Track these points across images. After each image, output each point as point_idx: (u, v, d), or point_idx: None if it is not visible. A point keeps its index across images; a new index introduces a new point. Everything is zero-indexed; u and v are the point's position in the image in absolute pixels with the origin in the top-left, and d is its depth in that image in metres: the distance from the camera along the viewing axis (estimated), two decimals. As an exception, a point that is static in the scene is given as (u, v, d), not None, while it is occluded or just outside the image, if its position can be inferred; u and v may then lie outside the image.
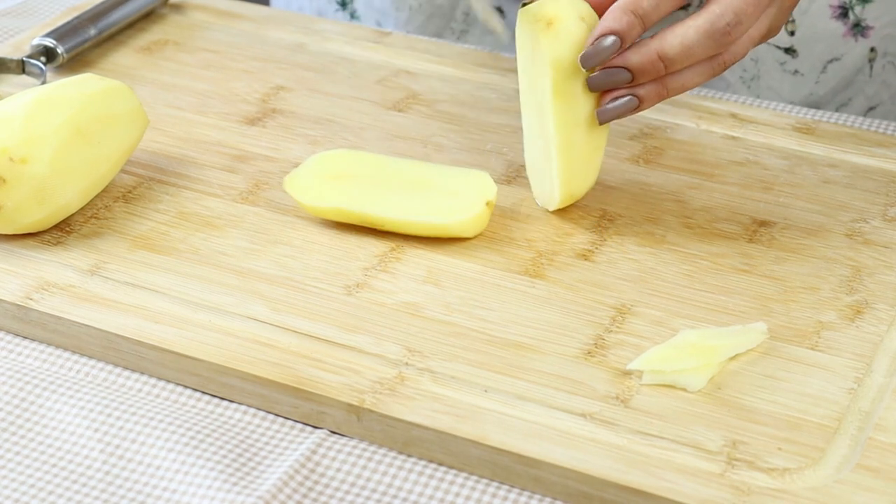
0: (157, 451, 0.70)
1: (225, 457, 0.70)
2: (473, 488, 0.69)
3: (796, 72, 0.93)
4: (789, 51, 1.02)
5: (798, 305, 0.79)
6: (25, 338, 0.78)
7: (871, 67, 1.06)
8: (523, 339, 0.76)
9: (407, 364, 0.74)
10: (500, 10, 1.10)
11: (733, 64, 0.81)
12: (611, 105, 0.80)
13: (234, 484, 0.68)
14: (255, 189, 0.88)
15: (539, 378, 0.73)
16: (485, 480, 0.70)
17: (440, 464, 0.71)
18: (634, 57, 0.78)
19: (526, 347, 0.75)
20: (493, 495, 0.69)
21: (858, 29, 1.05)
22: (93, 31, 1.02)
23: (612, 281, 0.80)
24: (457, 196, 0.84)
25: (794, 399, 0.72)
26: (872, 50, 1.06)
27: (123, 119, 0.86)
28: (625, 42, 0.78)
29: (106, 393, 0.74)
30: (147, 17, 1.08)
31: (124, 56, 1.03)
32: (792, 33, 1.01)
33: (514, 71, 1.00)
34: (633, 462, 0.68)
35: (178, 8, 1.10)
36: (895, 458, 0.69)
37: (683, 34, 0.78)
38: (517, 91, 0.98)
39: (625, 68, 0.79)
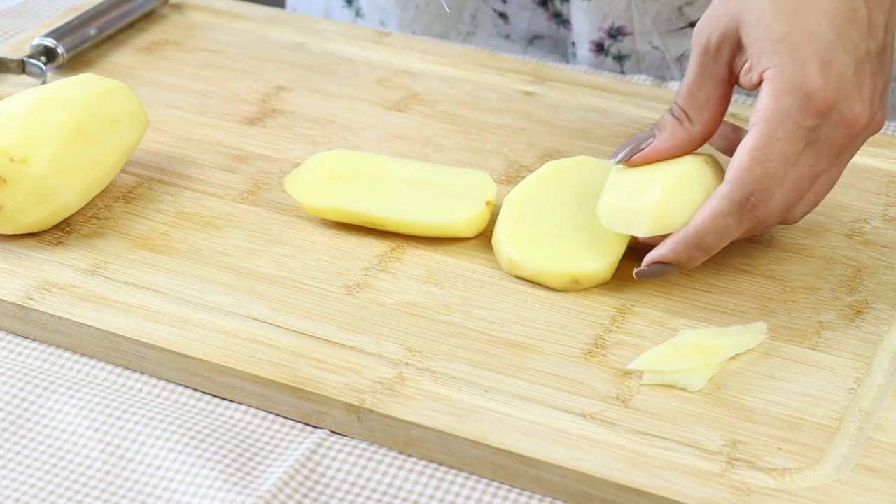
0: (158, 451, 0.70)
1: (225, 457, 0.70)
2: (473, 488, 0.69)
3: None
4: None
5: (798, 305, 0.79)
6: (26, 338, 0.78)
7: None
8: (523, 339, 0.76)
9: (407, 364, 0.74)
10: (503, 16, 1.10)
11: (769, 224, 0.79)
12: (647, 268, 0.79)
13: (235, 484, 0.68)
14: (256, 189, 0.88)
15: (539, 378, 0.73)
16: (485, 480, 0.70)
17: (440, 464, 0.71)
18: (680, 255, 0.77)
19: (526, 347, 0.75)
20: (493, 495, 0.69)
21: None
22: (93, 31, 1.02)
23: (612, 280, 0.80)
24: (457, 196, 0.84)
25: (794, 399, 0.72)
26: None
27: (124, 119, 0.86)
28: (684, 269, 0.78)
29: (106, 393, 0.74)
30: (147, 17, 1.08)
31: (124, 56, 1.03)
32: None
33: (514, 71, 1.00)
34: (633, 462, 0.68)
35: (178, 8, 1.10)
36: (895, 458, 0.69)
37: (714, 224, 0.76)
38: (517, 91, 0.99)
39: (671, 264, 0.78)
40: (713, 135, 0.80)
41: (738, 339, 0.75)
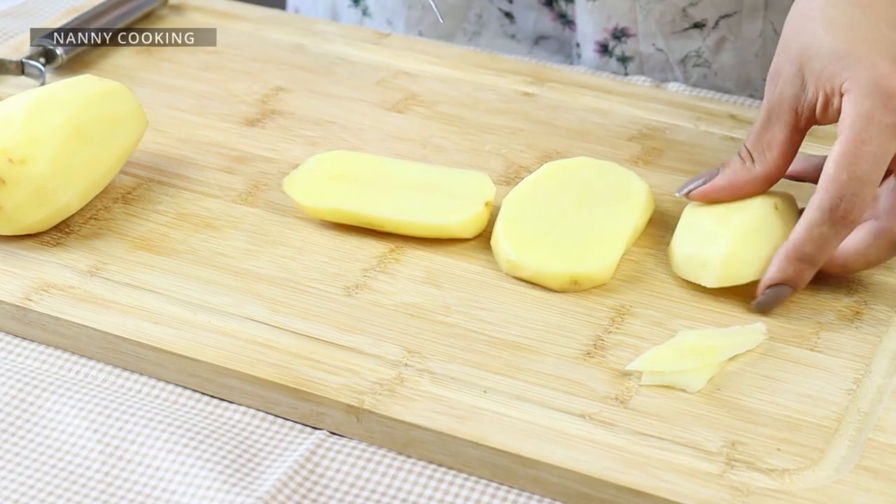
0: (157, 451, 0.70)
1: (224, 457, 0.70)
2: (473, 489, 0.69)
3: None
4: None
5: (797, 306, 0.79)
6: (25, 338, 0.78)
7: None
8: (522, 340, 0.76)
9: (406, 365, 0.74)
10: (509, 16, 1.10)
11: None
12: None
13: (234, 485, 0.68)
14: (255, 190, 0.88)
15: (538, 379, 0.73)
16: (484, 481, 0.70)
17: (440, 464, 0.71)
18: (787, 271, 0.78)
19: (525, 348, 0.75)
20: (493, 496, 0.69)
21: None
22: (93, 32, 1.02)
23: (611, 281, 0.80)
24: (456, 197, 0.84)
25: (794, 400, 0.72)
26: None
27: (123, 120, 0.86)
28: (797, 287, 0.78)
29: (105, 394, 0.74)
30: (146, 19, 1.08)
31: (124, 57, 1.03)
32: None
33: (514, 72, 1.00)
34: (632, 463, 0.68)
35: (177, 9, 1.10)
36: (894, 458, 0.69)
37: (815, 237, 0.77)
38: (516, 92, 0.98)
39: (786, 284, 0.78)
40: (777, 178, 0.81)
41: (737, 340, 0.75)
